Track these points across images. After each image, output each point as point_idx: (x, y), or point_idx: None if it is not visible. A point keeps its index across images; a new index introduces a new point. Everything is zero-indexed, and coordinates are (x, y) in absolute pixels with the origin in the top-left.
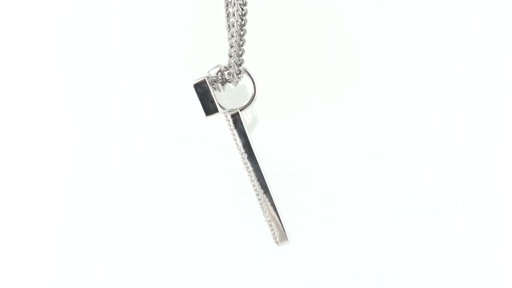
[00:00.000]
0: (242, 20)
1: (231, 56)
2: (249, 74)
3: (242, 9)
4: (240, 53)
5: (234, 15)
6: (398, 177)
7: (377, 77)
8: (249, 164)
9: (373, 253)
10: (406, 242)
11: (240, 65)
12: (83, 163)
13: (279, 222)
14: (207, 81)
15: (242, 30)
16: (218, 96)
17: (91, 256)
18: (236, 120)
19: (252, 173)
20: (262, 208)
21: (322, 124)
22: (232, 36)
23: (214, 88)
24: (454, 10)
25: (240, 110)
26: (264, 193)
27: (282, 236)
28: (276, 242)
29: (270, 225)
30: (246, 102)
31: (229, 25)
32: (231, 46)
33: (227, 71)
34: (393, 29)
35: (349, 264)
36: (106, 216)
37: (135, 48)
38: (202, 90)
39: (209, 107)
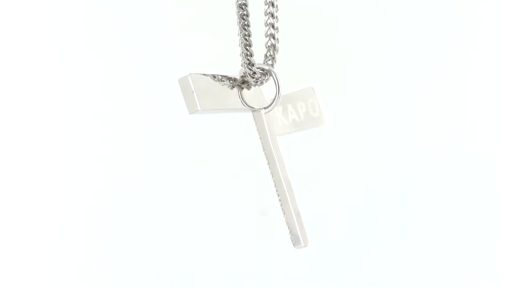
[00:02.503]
0: (244, 20)
1: (240, 56)
2: (273, 75)
3: (243, 9)
4: (248, 53)
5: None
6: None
7: (379, 77)
8: (269, 164)
9: (391, 261)
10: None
11: (252, 65)
12: (86, 164)
13: (295, 225)
14: (189, 78)
15: (245, 30)
16: (246, 94)
17: (91, 258)
18: (258, 119)
19: (272, 173)
20: (282, 209)
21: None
22: (238, 35)
23: (233, 86)
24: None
25: (265, 111)
26: (283, 195)
27: (296, 239)
28: (293, 245)
29: (288, 227)
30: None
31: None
32: (239, 46)
33: (243, 71)
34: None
35: (368, 271)
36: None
37: (142, 46)
38: (185, 87)
39: (191, 105)
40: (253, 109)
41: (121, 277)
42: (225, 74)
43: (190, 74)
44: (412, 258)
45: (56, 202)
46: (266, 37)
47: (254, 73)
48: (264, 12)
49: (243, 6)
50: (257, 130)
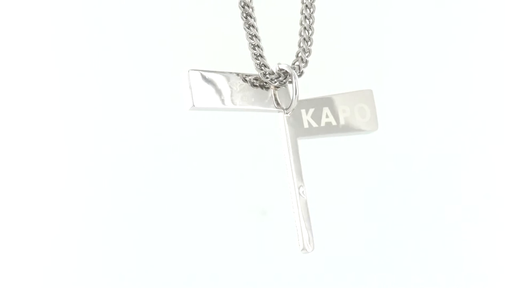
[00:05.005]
0: (247, 20)
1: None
2: (292, 77)
3: (244, 9)
4: (256, 53)
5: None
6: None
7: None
8: (286, 166)
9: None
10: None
11: (264, 66)
12: (86, 164)
13: (302, 230)
14: (188, 74)
15: (250, 29)
16: (268, 94)
17: (89, 258)
18: (279, 120)
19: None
20: (293, 212)
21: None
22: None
23: (255, 85)
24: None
25: (286, 112)
26: (294, 198)
27: (301, 244)
28: (300, 249)
29: (296, 230)
30: None
31: None
32: (248, 47)
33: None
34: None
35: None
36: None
37: (144, 45)
38: (185, 83)
39: (188, 101)
40: (271, 110)
41: (120, 277)
42: (249, 73)
43: (189, 70)
44: (421, 269)
45: (54, 201)
46: (300, 36)
47: (269, 74)
48: (300, 11)
49: (245, 6)
50: (279, 130)
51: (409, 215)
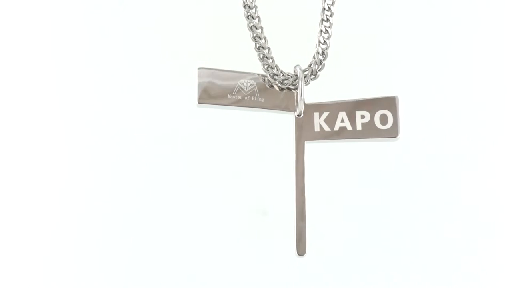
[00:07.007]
0: (250, 20)
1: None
2: (298, 80)
3: (246, 10)
4: (261, 54)
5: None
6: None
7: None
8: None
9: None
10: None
11: (271, 67)
12: (88, 164)
13: (296, 234)
14: (198, 73)
15: (253, 30)
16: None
17: (91, 258)
18: (291, 122)
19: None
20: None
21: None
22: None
23: (271, 85)
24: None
25: (297, 115)
26: (295, 200)
27: (300, 246)
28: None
29: (296, 232)
30: None
31: None
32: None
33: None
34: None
35: None
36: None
37: (148, 45)
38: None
39: (200, 96)
40: (281, 111)
41: (120, 277)
42: (265, 74)
43: (198, 68)
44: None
45: (56, 202)
46: (317, 38)
47: (275, 74)
48: (320, 13)
49: (246, 7)
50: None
51: (410, 218)
